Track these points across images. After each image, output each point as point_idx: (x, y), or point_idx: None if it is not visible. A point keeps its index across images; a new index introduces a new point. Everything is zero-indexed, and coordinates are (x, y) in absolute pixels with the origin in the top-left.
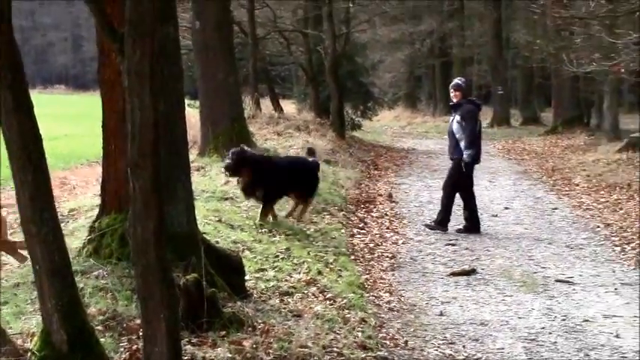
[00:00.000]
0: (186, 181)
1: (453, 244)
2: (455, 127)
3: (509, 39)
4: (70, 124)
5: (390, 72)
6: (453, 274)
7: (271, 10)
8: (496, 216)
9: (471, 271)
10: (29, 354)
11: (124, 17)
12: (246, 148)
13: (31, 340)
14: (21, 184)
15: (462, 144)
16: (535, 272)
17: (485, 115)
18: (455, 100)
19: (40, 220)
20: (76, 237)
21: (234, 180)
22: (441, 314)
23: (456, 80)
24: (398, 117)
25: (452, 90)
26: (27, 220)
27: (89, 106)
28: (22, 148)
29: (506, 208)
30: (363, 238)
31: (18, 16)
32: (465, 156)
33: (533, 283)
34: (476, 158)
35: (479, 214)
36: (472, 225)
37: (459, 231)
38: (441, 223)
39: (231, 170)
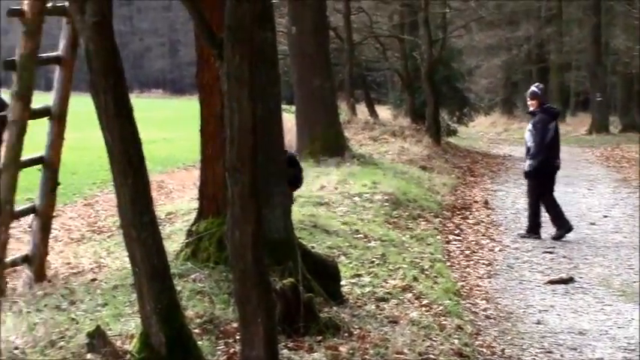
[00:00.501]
0: (283, 186)
1: (551, 252)
2: (527, 135)
3: (608, 45)
4: (167, 128)
5: (487, 78)
6: (551, 282)
7: (367, 16)
8: (594, 224)
9: (569, 280)
10: (128, 356)
11: (223, 22)
12: None
13: (130, 342)
14: (121, 188)
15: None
16: (635, 281)
17: (584, 122)
18: (532, 109)
19: (139, 224)
20: (173, 240)
21: (330, 185)
22: (539, 323)
23: (532, 88)
24: (494, 123)
25: (528, 98)
26: (127, 224)
27: (186, 110)
28: (122, 152)
29: (605, 216)
30: (458, 245)
31: (116, 21)
32: (525, 165)
33: (633, 293)
34: (539, 168)
35: (575, 221)
36: (562, 226)
37: (555, 238)
38: (533, 230)
39: None
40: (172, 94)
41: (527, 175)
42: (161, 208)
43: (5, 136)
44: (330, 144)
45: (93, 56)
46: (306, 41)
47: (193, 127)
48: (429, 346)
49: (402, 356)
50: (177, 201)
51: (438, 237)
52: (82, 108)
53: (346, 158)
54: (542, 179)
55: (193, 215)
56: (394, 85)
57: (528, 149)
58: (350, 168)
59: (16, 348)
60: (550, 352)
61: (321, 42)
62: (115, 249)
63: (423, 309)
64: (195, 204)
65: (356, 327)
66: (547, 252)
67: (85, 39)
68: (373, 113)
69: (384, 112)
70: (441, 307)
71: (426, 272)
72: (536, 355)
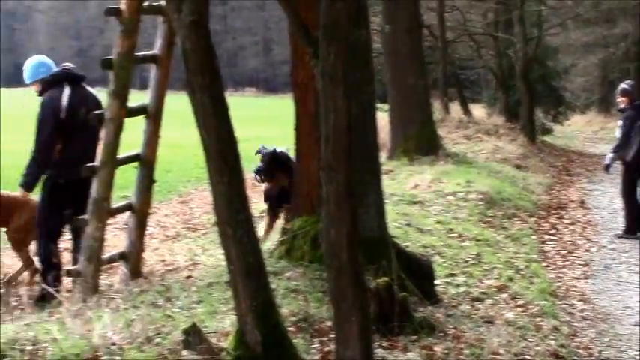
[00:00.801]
0: (377, 184)
1: None
2: (617, 132)
3: None
4: (260, 126)
5: (583, 76)
6: None
7: (461, 14)
8: None
9: None
10: (224, 353)
11: (318, 21)
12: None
13: (225, 340)
14: (217, 186)
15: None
16: None
17: None
18: (622, 106)
19: (235, 222)
20: (267, 238)
21: (423, 184)
22: (637, 324)
23: (623, 85)
24: (590, 122)
25: (619, 95)
26: (223, 222)
27: (278, 108)
28: (218, 151)
29: None
30: (554, 245)
31: (211, 20)
32: (606, 158)
33: None
34: (631, 163)
35: None
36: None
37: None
38: (629, 230)
39: (265, 174)
40: (265, 92)
41: (607, 168)
42: (255, 206)
43: (102, 134)
44: (423, 143)
45: (189, 55)
46: (400, 40)
47: (285, 126)
48: (524, 347)
49: (497, 357)
50: None
51: (533, 237)
52: (177, 106)
53: (440, 157)
54: (633, 176)
55: None
56: (488, 83)
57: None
58: (444, 167)
59: (114, 344)
60: None
61: (414, 40)
62: (209, 246)
63: (519, 309)
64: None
65: (451, 327)
66: None
67: (182, 38)
68: (467, 112)
69: (477, 111)
70: (536, 308)
71: (522, 272)
72: (634, 358)
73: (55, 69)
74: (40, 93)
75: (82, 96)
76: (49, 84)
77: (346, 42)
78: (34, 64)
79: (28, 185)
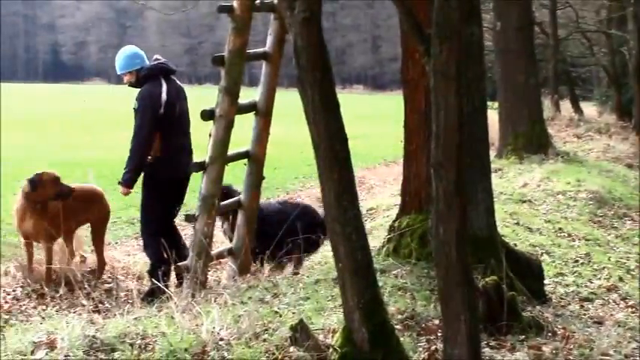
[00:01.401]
0: (486, 183)
1: None
2: None
3: None
4: (368, 123)
5: None
6: None
7: (573, 11)
8: None
9: None
10: (330, 350)
11: (431, 18)
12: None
13: (332, 337)
14: (326, 183)
15: None
16: None
17: None
18: None
19: (344, 219)
20: (374, 236)
21: (533, 182)
22: None
23: None
24: None
25: None
26: (332, 219)
27: (386, 106)
28: (328, 148)
29: None
30: None
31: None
32: None
33: None
34: None
35: None
36: None
37: None
38: None
39: None
40: (373, 89)
41: None
42: (363, 204)
43: (212, 130)
44: (533, 141)
45: (301, 51)
46: (511, 37)
47: (393, 123)
48: (635, 349)
49: (606, 358)
50: (378, 197)
51: None
52: (284, 103)
53: (550, 155)
54: None
55: (394, 211)
56: (600, 81)
57: None
58: (553, 165)
59: (222, 339)
60: None
61: (526, 38)
62: None
63: (629, 310)
64: (396, 200)
65: (559, 327)
66: None
67: (294, 35)
68: (578, 110)
69: (588, 109)
70: None
71: (632, 273)
72: None
73: (148, 62)
74: (133, 85)
75: (176, 90)
76: (146, 77)
77: (459, 39)
78: (128, 54)
79: (129, 182)
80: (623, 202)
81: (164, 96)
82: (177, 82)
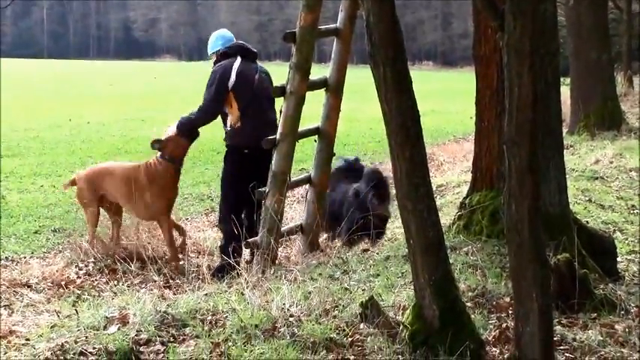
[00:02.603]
0: (559, 160)
1: None
2: None
3: None
4: (437, 100)
5: None
6: None
7: None
8: None
9: None
10: (401, 327)
11: None
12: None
13: (402, 314)
14: (398, 160)
15: None
16: None
17: None
18: None
19: (415, 196)
20: (444, 213)
21: (605, 159)
22: None
23: None
24: None
25: None
26: (403, 196)
27: (455, 82)
28: (400, 125)
29: None
30: None
31: None
32: None
33: None
34: None
35: None
36: None
37: None
38: None
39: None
40: (442, 66)
41: None
42: (432, 181)
43: (283, 107)
44: (605, 117)
45: (373, 28)
46: (584, 12)
47: (463, 100)
48: None
49: None
50: (447, 173)
51: None
52: (353, 80)
53: (622, 132)
54: None
55: (464, 188)
56: None
57: None
58: (626, 142)
59: (292, 316)
60: None
61: (598, 13)
62: None
63: None
64: (467, 176)
65: (632, 305)
66: None
67: (366, 11)
68: None
69: None
70: None
71: None
72: None
73: (232, 43)
74: (215, 64)
75: (255, 70)
76: (223, 56)
77: (533, 15)
78: (214, 37)
79: (182, 127)
80: None
81: (234, 71)
82: (259, 64)
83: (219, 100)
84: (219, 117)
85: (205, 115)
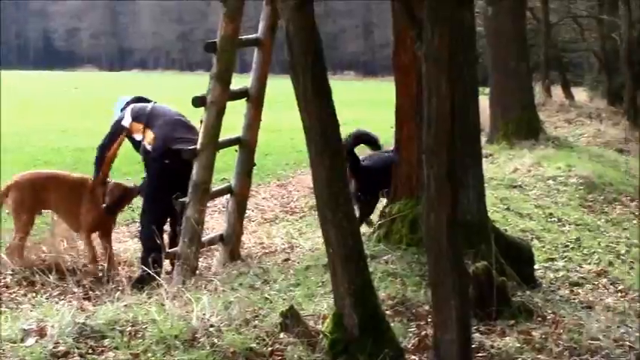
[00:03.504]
0: (477, 168)
1: None
2: None
3: None
4: (359, 109)
5: None
6: None
7: None
8: None
9: None
10: (321, 336)
11: (423, 3)
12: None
13: (322, 322)
14: (317, 169)
15: None
16: None
17: None
18: None
19: (335, 205)
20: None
21: (523, 168)
22: None
23: None
24: None
25: None
26: (322, 205)
27: (377, 92)
28: (320, 133)
29: None
30: None
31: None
32: None
33: None
34: None
35: None
36: None
37: None
38: None
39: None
40: (364, 75)
41: None
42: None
43: (204, 117)
44: (524, 126)
45: (293, 38)
46: (503, 22)
47: (385, 109)
48: (624, 333)
49: (596, 342)
50: None
51: (635, 222)
52: (275, 90)
53: (540, 141)
54: None
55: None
56: (591, 66)
57: None
58: (544, 151)
59: (212, 326)
60: None
61: (517, 23)
62: (306, 230)
63: (619, 295)
64: None
65: (549, 312)
66: None
67: (286, 21)
68: (569, 95)
69: (579, 94)
70: (637, 294)
71: (622, 257)
72: None
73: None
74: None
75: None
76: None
77: (451, 24)
78: (116, 108)
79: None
80: (614, 187)
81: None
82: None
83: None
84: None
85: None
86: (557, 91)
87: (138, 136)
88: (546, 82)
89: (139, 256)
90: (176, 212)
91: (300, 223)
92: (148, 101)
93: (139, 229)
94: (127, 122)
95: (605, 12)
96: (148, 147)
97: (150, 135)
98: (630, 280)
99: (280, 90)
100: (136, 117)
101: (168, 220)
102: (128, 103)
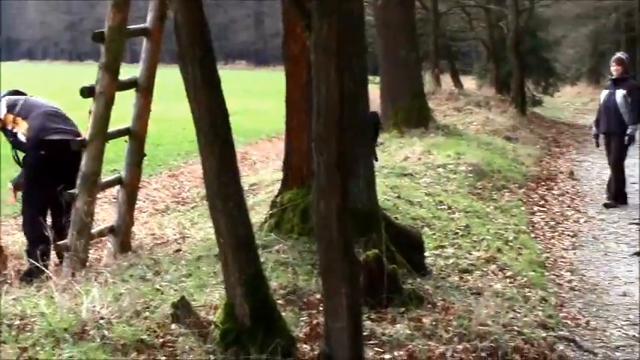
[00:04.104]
0: (367, 157)
1: (637, 224)
2: (620, 101)
3: None
4: (250, 99)
5: (573, 47)
6: (637, 254)
7: None
8: None
9: None
10: (212, 326)
11: None
12: None
13: (214, 313)
14: (207, 159)
15: (627, 118)
16: None
17: None
18: (616, 75)
19: (225, 195)
20: (256, 211)
21: (413, 156)
22: (625, 295)
23: (619, 54)
24: (580, 93)
25: (614, 64)
26: (213, 195)
27: (269, 81)
28: (209, 124)
29: None
30: (543, 216)
31: None
32: (630, 130)
33: None
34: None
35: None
36: (621, 197)
37: (607, 205)
38: (621, 199)
39: None
40: (256, 65)
41: (632, 139)
42: (245, 180)
43: (92, 107)
44: (414, 115)
45: (181, 28)
46: (392, 12)
47: (276, 99)
48: (512, 318)
49: (485, 328)
50: (260, 172)
51: (523, 208)
52: (166, 80)
53: (430, 129)
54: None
55: (277, 186)
56: (479, 55)
57: (620, 116)
58: (434, 139)
59: (102, 318)
60: (635, 324)
61: (406, 12)
62: (198, 220)
63: (507, 280)
64: (279, 175)
65: (439, 298)
66: (633, 223)
67: (174, 11)
68: (458, 84)
69: (468, 83)
70: (525, 279)
71: (510, 244)
72: (621, 327)
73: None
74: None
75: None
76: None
77: (340, 13)
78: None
79: None
80: (502, 174)
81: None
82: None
83: None
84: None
85: None
86: (446, 80)
87: (12, 128)
88: (436, 70)
89: (25, 249)
90: (62, 204)
91: (191, 214)
92: (24, 94)
93: (22, 221)
94: (1, 114)
95: (493, 1)
96: (23, 138)
97: (24, 126)
98: (518, 266)
99: (171, 80)
100: (10, 108)
101: (50, 212)
102: (3, 97)
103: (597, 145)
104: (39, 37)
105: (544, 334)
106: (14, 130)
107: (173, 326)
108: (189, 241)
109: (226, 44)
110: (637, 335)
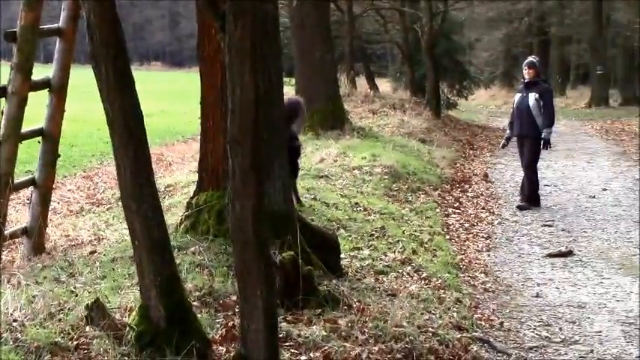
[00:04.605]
0: (283, 159)
1: (550, 225)
2: (532, 104)
3: (609, 18)
4: (166, 100)
5: (487, 51)
6: (550, 255)
7: None
8: (594, 197)
9: (568, 253)
10: (127, 328)
11: None
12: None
13: (129, 315)
14: (122, 160)
15: (540, 121)
16: (634, 255)
17: (584, 96)
18: (528, 78)
19: (140, 196)
20: (172, 213)
21: (329, 158)
22: (538, 296)
23: (531, 58)
24: (494, 96)
25: (526, 68)
26: (127, 196)
27: (184, 83)
28: (123, 124)
29: (604, 190)
30: (458, 218)
31: None
32: (544, 134)
33: (632, 266)
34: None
35: (574, 194)
36: (534, 199)
37: (520, 207)
38: (534, 201)
39: None
40: (171, 66)
41: (547, 142)
42: (160, 181)
43: (5, 108)
44: (329, 117)
45: (94, 28)
46: (307, 14)
47: (192, 100)
48: (427, 320)
49: (400, 329)
50: (176, 173)
51: (438, 210)
52: (81, 80)
53: (346, 131)
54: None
55: (193, 188)
56: (394, 57)
57: (532, 119)
58: (349, 141)
59: (15, 320)
60: (549, 325)
61: (321, 14)
62: (113, 221)
63: (422, 282)
64: (195, 177)
65: (355, 300)
66: (546, 225)
67: (87, 11)
68: (373, 86)
69: (384, 85)
70: (440, 281)
71: (425, 245)
72: (534, 328)
73: None
74: None
75: None
76: None
77: (254, 15)
78: None
79: None
80: (417, 177)
81: None
82: None
83: None
84: None
85: None
86: (361, 82)
87: None
88: (351, 73)
89: None
90: None
91: (106, 215)
92: None
93: None
94: None
95: (407, 4)
96: None
97: None
98: (433, 268)
99: (86, 80)
100: None
101: None
102: None
103: (503, 147)
104: None
105: (459, 335)
106: None
107: (87, 328)
108: (104, 242)
109: (141, 45)
110: (549, 336)
